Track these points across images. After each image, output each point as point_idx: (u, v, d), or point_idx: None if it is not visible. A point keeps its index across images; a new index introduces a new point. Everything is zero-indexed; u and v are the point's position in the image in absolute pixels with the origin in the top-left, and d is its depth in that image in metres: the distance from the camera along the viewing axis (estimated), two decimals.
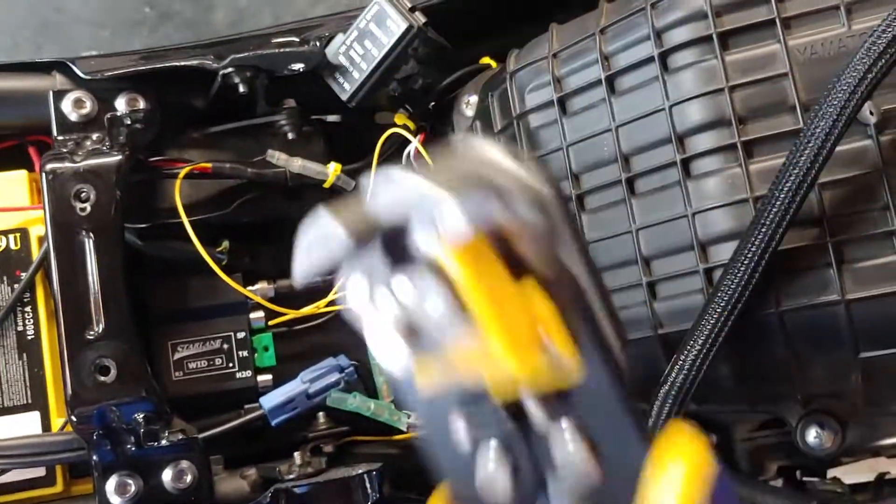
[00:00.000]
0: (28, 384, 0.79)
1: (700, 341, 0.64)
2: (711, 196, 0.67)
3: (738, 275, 0.63)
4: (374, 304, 0.40)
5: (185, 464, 0.76)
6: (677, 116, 0.68)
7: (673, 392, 0.65)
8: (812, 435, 0.73)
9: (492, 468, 0.41)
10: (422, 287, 0.38)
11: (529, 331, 0.39)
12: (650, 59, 0.69)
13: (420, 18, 0.82)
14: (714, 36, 0.67)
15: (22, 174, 0.83)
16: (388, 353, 0.40)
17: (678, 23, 0.69)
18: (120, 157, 0.77)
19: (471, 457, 0.42)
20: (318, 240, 0.39)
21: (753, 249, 0.63)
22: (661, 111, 0.68)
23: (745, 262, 0.63)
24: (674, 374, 0.65)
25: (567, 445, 0.40)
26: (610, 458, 0.40)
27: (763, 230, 0.62)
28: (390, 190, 0.38)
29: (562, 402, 0.40)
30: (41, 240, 0.80)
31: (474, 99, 0.86)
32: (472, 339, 0.38)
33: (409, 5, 0.81)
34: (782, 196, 0.62)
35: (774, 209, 0.62)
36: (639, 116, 0.70)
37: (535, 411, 0.40)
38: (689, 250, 0.67)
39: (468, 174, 0.38)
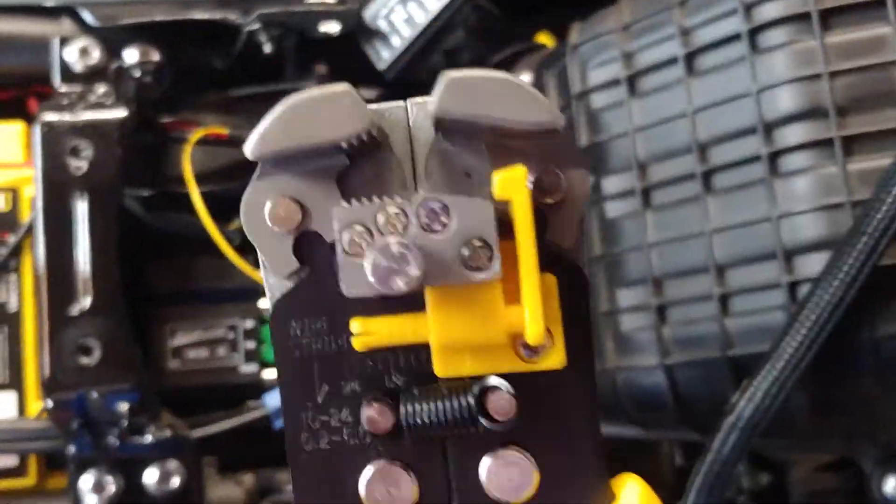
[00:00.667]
0: (6, 361, 0.71)
1: (778, 367, 0.56)
2: (801, 198, 0.58)
3: (831, 291, 0.54)
4: (373, 220, 0.33)
5: (172, 464, 0.68)
6: (766, 103, 0.59)
7: (740, 425, 0.57)
8: (892, 484, 0.64)
9: (393, 469, 0.36)
10: (470, 207, 0.33)
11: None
12: (737, 36, 0.61)
13: None
14: (814, 13, 0.59)
15: (18, 127, 0.75)
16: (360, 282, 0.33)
17: None
18: (125, 112, 0.69)
19: (365, 452, 0.36)
20: (331, 109, 0.33)
21: (851, 262, 0.54)
22: (746, 96, 0.60)
23: (841, 276, 0.54)
24: (743, 404, 0.57)
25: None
26: (553, 476, 0.37)
27: (863, 241, 0.54)
28: (470, 94, 0.33)
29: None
30: (34, 201, 0.72)
31: (527, 78, 0.77)
32: (491, 286, 0.34)
33: None
34: (888, 201, 0.53)
35: (878, 216, 0.54)
36: (720, 101, 0.61)
37: (498, 401, 0.34)
38: (771, 259, 0.59)
39: None
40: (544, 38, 0.81)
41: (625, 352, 0.64)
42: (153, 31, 0.73)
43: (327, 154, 0.34)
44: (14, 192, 0.73)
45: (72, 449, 0.67)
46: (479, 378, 0.35)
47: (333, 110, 0.33)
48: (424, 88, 0.81)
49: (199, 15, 0.73)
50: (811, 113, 0.58)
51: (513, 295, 0.34)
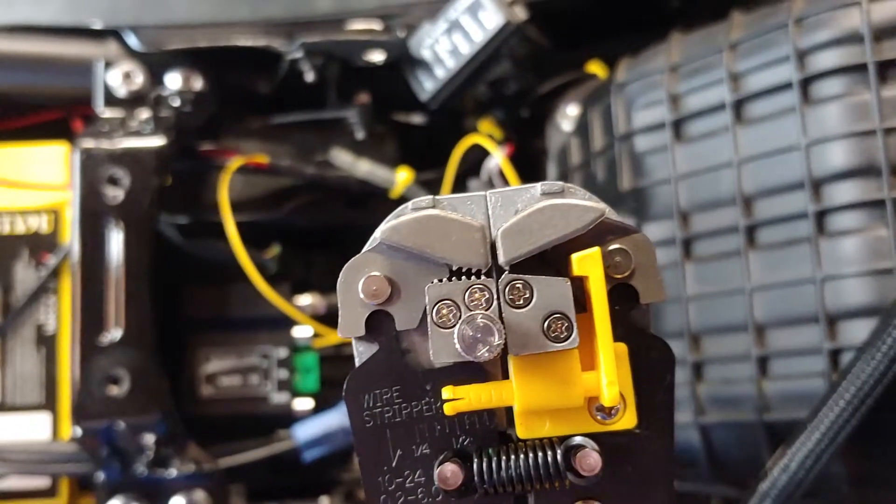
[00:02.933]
0: (42, 382, 0.71)
1: (815, 438, 0.53)
2: (848, 260, 0.55)
3: (873, 363, 0.52)
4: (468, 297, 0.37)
5: (199, 494, 0.67)
6: (815, 158, 0.56)
7: (773, 494, 0.54)
8: None
9: None
10: (549, 285, 0.37)
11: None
12: (788, 85, 0.58)
13: (520, 14, 0.71)
14: (871, 65, 0.55)
15: (61, 149, 0.75)
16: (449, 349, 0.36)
17: (827, 45, 0.57)
18: (164, 141, 0.68)
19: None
20: (462, 237, 0.37)
21: None
22: (796, 149, 0.57)
23: (885, 348, 0.51)
24: (777, 472, 0.54)
25: None
26: None
27: None
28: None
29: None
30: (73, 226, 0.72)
31: (574, 111, 0.75)
32: (570, 354, 0.37)
33: None
34: None
35: None
36: (768, 152, 0.59)
37: (586, 458, 0.37)
38: (813, 323, 0.56)
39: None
40: (595, 68, 0.78)
41: None
42: (197, 57, 0.72)
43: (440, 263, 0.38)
44: (56, 214, 0.73)
45: (100, 475, 0.67)
46: (561, 438, 0.38)
47: (463, 239, 0.37)
48: (468, 117, 0.79)
49: (243, 42, 0.73)
50: (863, 171, 0.55)
51: (588, 363, 0.37)
